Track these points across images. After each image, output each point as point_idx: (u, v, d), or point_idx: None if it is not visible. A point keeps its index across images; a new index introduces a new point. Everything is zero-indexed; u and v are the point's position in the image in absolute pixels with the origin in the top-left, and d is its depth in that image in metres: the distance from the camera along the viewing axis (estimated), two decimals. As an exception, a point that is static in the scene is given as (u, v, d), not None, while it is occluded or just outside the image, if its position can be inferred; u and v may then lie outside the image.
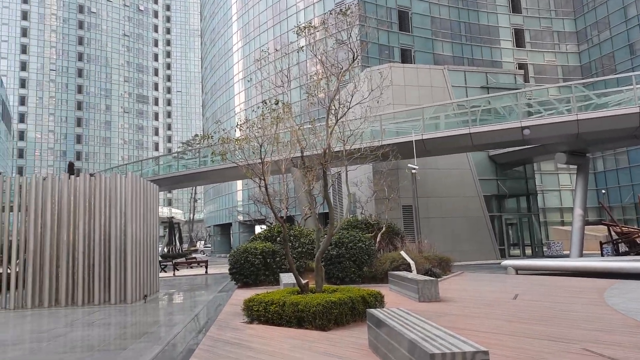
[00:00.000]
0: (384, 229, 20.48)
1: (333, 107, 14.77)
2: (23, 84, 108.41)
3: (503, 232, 34.68)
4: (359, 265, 16.78)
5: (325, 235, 13.17)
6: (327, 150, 13.60)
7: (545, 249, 36.32)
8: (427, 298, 12.05)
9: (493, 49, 54.33)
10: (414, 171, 24.51)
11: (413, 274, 14.35)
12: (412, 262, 16.35)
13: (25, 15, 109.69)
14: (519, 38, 55.62)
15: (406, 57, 50.18)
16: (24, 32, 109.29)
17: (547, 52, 56.33)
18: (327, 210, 12.58)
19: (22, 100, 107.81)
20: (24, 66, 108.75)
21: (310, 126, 18.04)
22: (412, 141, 26.17)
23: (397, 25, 50.83)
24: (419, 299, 12.02)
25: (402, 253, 17.16)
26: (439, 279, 15.35)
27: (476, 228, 32.10)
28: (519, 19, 55.74)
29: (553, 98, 29.60)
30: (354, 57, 15.15)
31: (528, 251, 35.35)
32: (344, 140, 15.00)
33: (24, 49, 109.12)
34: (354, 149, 15.67)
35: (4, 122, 64.29)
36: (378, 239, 19.70)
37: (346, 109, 14.89)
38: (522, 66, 53.71)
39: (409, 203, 28.11)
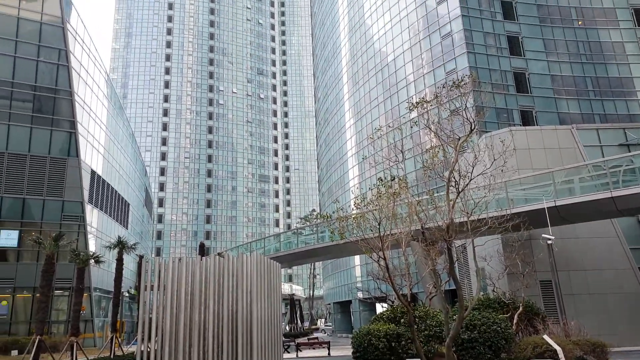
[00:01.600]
0: (520, 308, 18.47)
1: (453, 178, 14.04)
2: (162, 171, 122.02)
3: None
4: (495, 351, 15.08)
5: (455, 317, 12.07)
6: (449, 226, 12.81)
7: None
8: (585, 395, 10.26)
9: (629, 101, 49.74)
10: (549, 242, 22.24)
11: (563, 364, 12.48)
12: (558, 349, 14.31)
13: (165, 112, 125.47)
14: (659, 87, 50.51)
15: (527, 118, 47.82)
16: (165, 127, 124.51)
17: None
18: (454, 288, 11.61)
19: (162, 187, 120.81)
20: (163, 156, 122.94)
21: (428, 197, 17.30)
22: (544, 208, 24.03)
23: (513, 87, 49.16)
24: (575, 396, 10.27)
25: (546, 337, 15.15)
26: (595, 370, 13.16)
27: (635, 306, 27.70)
28: (657, 66, 50.92)
29: None
30: (471, 128, 14.53)
31: None
32: (467, 212, 14.09)
33: (164, 141, 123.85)
34: (479, 220, 14.59)
35: (146, 207, 71.88)
36: (515, 321, 17.74)
37: (468, 180, 14.11)
38: (666, 118, 48.27)
39: (548, 278, 25.31)
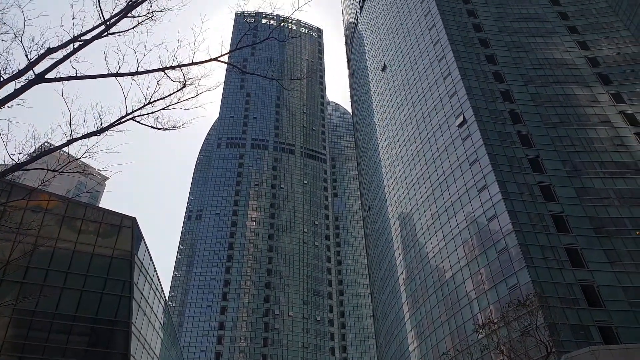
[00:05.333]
0: None
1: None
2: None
3: None
4: None
5: None
6: None
7: None
8: None
9: None
10: None
11: None
12: None
13: (219, 340, 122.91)
14: None
15: (608, 335, 43.11)
16: (217, 357, 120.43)
17: None
18: None
19: None
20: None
21: None
22: None
23: (584, 301, 45.77)
24: None
25: None
26: None
27: None
28: None
29: None
30: (547, 351, 13.06)
31: None
32: None
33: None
34: None
35: None
36: None
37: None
38: None
39: None
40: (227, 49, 15.17)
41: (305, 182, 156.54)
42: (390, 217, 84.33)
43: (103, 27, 12.60)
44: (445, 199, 64.09)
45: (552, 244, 50.12)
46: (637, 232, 50.76)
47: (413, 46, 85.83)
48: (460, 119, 64.80)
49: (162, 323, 47.63)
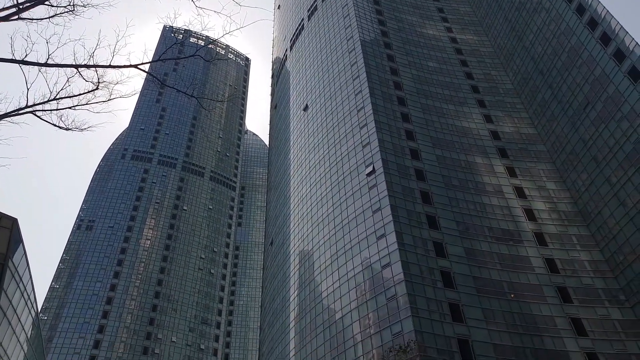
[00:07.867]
0: None
1: None
2: None
3: None
4: None
5: None
6: None
7: None
8: None
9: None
10: None
11: None
12: None
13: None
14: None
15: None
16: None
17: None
18: None
19: None
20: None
21: None
22: None
23: (458, 354, 48.55)
24: None
25: None
26: None
27: None
28: None
29: None
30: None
31: None
32: None
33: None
34: None
35: None
36: None
37: None
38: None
39: None
40: (150, 59, 14.91)
41: (211, 207, 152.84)
42: (291, 252, 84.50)
43: (14, 9, 11.89)
44: (345, 242, 65.69)
45: (438, 298, 52.98)
46: (512, 296, 55.24)
47: (336, 92, 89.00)
48: (370, 168, 67.63)
49: (28, 336, 43.16)
